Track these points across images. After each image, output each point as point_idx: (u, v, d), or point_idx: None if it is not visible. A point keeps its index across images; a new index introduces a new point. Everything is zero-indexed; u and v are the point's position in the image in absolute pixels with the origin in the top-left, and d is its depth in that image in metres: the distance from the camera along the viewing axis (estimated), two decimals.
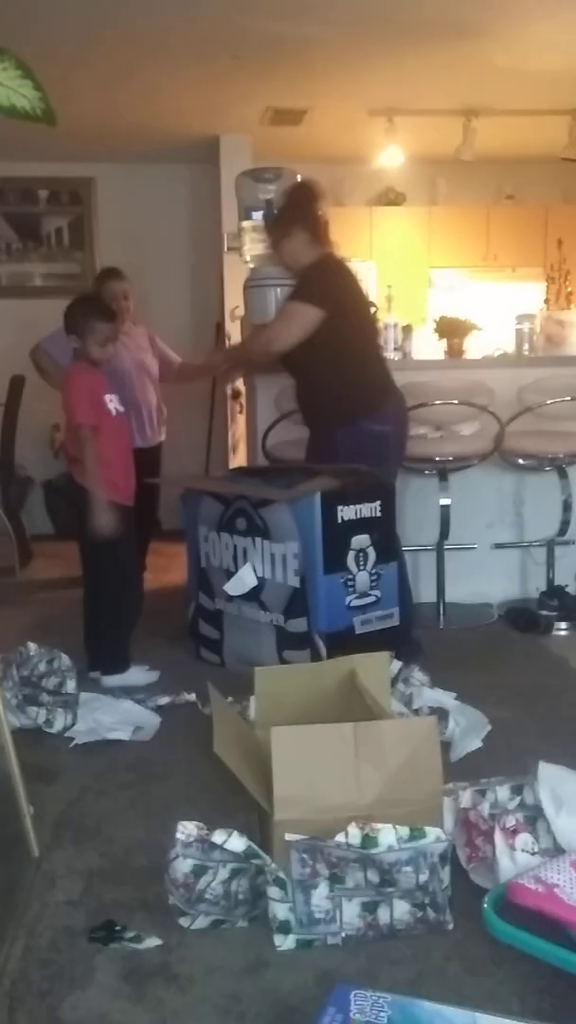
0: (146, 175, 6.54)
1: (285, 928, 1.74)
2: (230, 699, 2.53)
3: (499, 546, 4.23)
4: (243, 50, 4.60)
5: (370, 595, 3.16)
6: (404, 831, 1.70)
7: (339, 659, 2.34)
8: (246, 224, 4.16)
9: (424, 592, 4.03)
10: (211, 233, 6.31)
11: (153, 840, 2.09)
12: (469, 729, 2.69)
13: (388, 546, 3.21)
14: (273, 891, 1.73)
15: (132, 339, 4.41)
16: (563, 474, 4.00)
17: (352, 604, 3.12)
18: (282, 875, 1.72)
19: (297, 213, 3.44)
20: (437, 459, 3.85)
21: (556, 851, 1.85)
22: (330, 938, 1.75)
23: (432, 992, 1.57)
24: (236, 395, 5.54)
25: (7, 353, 5.35)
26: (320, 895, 1.73)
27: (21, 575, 5.21)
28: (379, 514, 3.19)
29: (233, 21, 4.23)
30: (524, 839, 1.86)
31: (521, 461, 3.99)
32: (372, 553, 3.16)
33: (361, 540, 3.13)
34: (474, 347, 4.53)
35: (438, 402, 3.75)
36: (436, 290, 6.57)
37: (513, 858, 1.84)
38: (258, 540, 3.23)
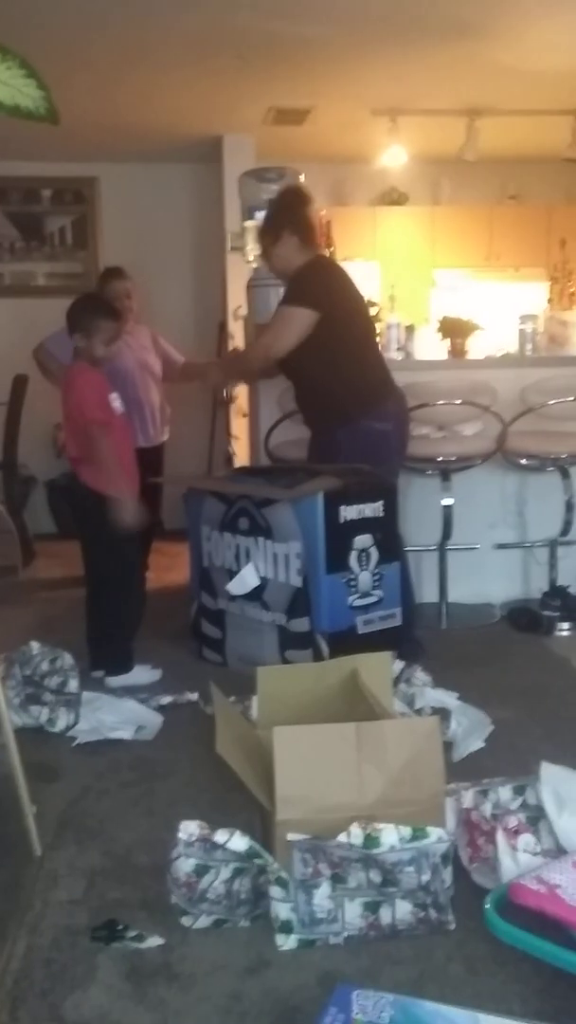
0: (149, 175, 6.54)
1: (287, 928, 1.74)
2: (232, 699, 2.53)
3: (501, 546, 4.23)
4: (246, 50, 4.60)
5: (372, 595, 3.16)
6: (406, 831, 1.70)
7: (341, 659, 2.34)
8: (249, 224, 4.16)
9: (426, 592, 4.02)
10: (214, 233, 6.31)
11: (155, 839, 2.09)
12: (471, 729, 2.69)
13: (390, 546, 3.21)
14: (275, 891, 1.73)
15: (135, 339, 4.42)
16: (566, 474, 4.00)
17: (354, 604, 3.12)
18: (284, 875, 1.72)
19: (286, 217, 3.43)
20: (440, 459, 3.85)
21: (558, 851, 1.85)
22: (332, 938, 1.75)
23: (434, 992, 1.57)
24: (230, 400, 5.47)
25: (10, 352, 5.35)
26: (322, 895, 1.73)
27: (24, 574, 5.22)
28: (381, 514, 3.19)
29: (236, 21, 4.23)
30: (526, 839, 1.86)
31: (524, 461, 3.99)
32: (374, 553, 3.16)
33: (363, 540, 3.13)
34: (477, 347, 4.52)
35: (441, 402, 3.75)
36: (439, 290, 6.58)
37: (515, 858, 1.83)
38: (260, 540, 3.23)
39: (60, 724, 2.80)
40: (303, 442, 3.65)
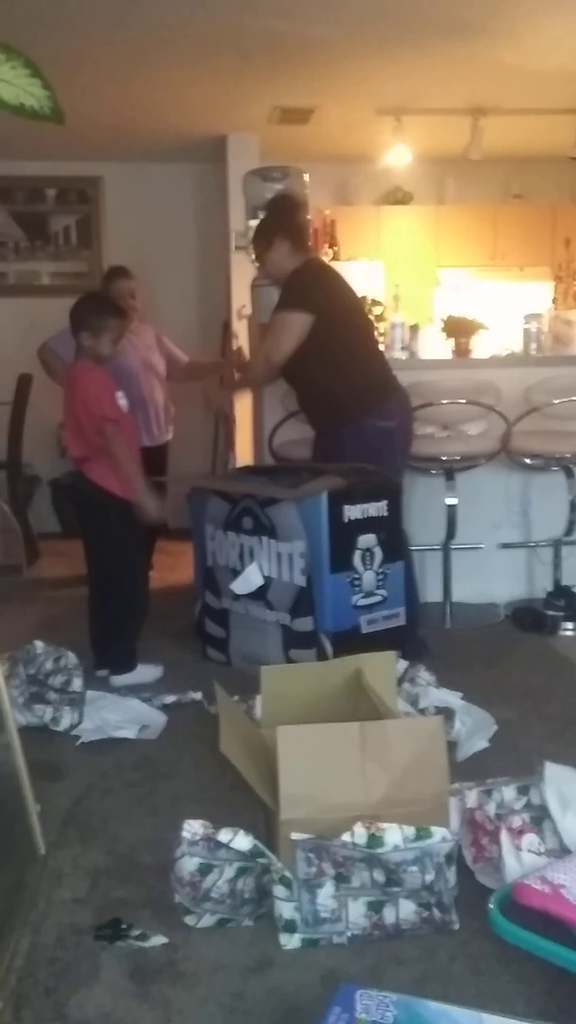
0: (154, 174, 6.54)
1: (291, 927, 1.74)
2: (236, 698, 2.53)
3: (505, 546, 4.22)
4: (251, 49, 4.60)
5: (376, 594, 3.16)
6: (410, 831, 1.70)
7: (345, 658, 2.34)
8: (253, 223, 4.16)
9: (430, 592, 4.02)
10: (218, 232, 6.31)
11: (159, 838, 2.09)
12: (475, 729, 2.68)
13: (394, 545, 3.21)
14: (279, 890, 1.73)
15: (139, 338, 4.42)
16: (570, 474, 3.99)
17: (358, 603, 3.12)
18: (288, 874, 1.72)
19: (278, 223, 3.48)
20: (444, 458, 3.84)
21: (562, 851, 1.85)
22: (336, 937, 1.75)
23: (437, 992, 1.57)
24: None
25: (14, 352, 5.36)
26: (326, 894, 1.73)
27: (28, 573, 5.23)
28: (385, 513, 3.19)
29: (241, 20, 4.23)
30: (530, 839, 1.86)
31: (528, 461, 3.98)
32: (378, 552, 3.15)
33: (367, 539, 3.13)
34: (481, 346, 4.52)
35: (445, 401, 3.74)
36: (443, 289, 6.57)
37: (519, 858, 1.83)
38: (264, 539, 3.23)
39: (64, 723, 2.80)
40: (306, 441, 3.65)
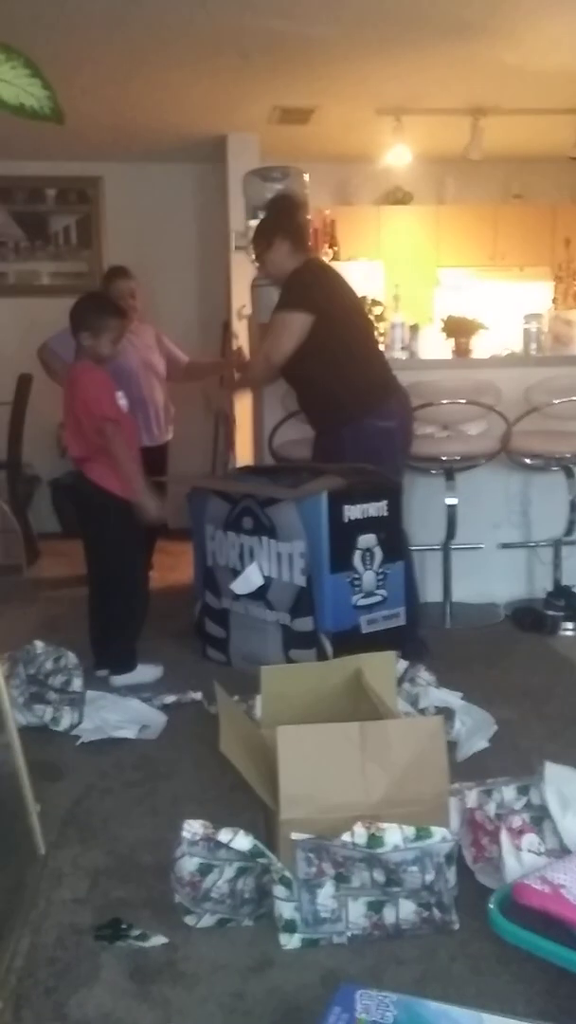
0: (154, 174, 6.54)
1: (291, 927, 1.74)
2: (236, 698, 2.53)
3: (505, 546, 4.22)
4: (251, 49, 4.60)
5: (376, 594, 3.16)
6: (410, 831, 1.70)
7: (345, 658, 2.34)
8: (253, 223, 4.16)
9: (430, 592, 4.03)
10: (218, 232, 6.31)
11: (159, 838, 2.09)
12: (475, 729, 2.68)
13: (394, 545, 3.21)
14: (279, 890, 1.73)
15: (139, 338, 4.42)
16: (570, 474, 3.99)
17: (358, 603, 3.12)
18: (288, 874, 1.72)
19: (278, 223, 3.48)
20: (444, 458, 3.84)
21: (562, 851, 1.85)
22: (336, 937, 1.75)
23: (437, 992, 1.57)
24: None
25: (14, 352, 5.36)
26: (326, 894, 1.73)
27: (28, 573, 5.23)
28: (385, 513, 3.19)
29: (241, 20, 4.23)
30: (530, 839, 1.86)
31: (528, 461, 3.98)
32: (378, 552, 3.15)
33: (367, 539, 3.13)
34: (481, 346, 4.52)
35: (445, 401, 3.74)
36: (443, 289, 6.57)
37: (519, 858, 1.83)
38: (264, 539, 3.23)
39: (64, 723, 2.80)
40: (306, 441, 3.65)
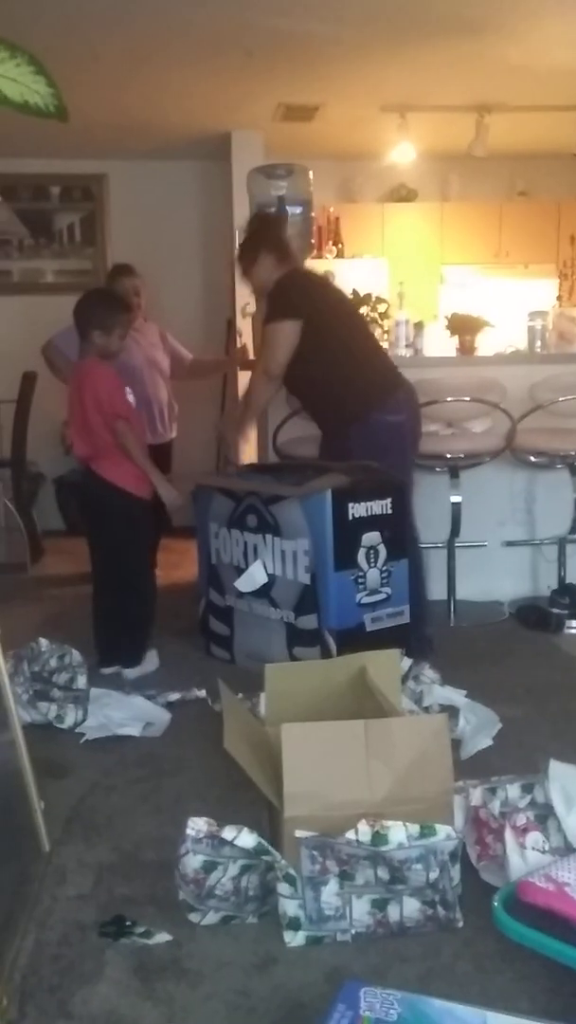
0: (158, 171, 6.54)
1: (295, 925, 1.74)
2: (240, 696, 2.53)
3: (510, 544, 4.22)
4: (255, 46, 4.59)
5: (380, 592, 3.15)
6: (414, 828, 1.70)
7: (349, 656, 2.34)
8: None
9: (435, 589, 4.00)
10: (223, 229, 6.30)
11: (163, 835, 2.10)
12: (479, 727, 2.68)
13: (399, 543, 3.21)
14: (283, 887, 1.73)
15: (143, 335, 4.42)
16: (574, 471, 3.99)
17: (362, 601, 3.12)
18: (292, 872, 1.72)
19: (261, 237, 3.53)
20: (448, 456, 3.84)
21: (567, 849, 1.85)
22: (340, 935, 1.75)
23: (442, 990, 1.57)
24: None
25: (19, 349, 5.35)
26: (330, 892, 1.73)
27: (32, 571, 5.23)
28: (390, 511, 3.18)
29: (245, 18, 4.23)
30: (534, 837, 1.86)
31: (532, 458, 3.98)
32: (383, 550, 3.15)
33: (372, 537, 3.13)
34: (486, 344, 4.52)
35: (450, 399, 3.74)
36: (448, 287, 6.56)
37: (523, 856, 1.83)
38: (269, 537, 3.23)
39: (68, 720, 2.80)
40: (311, 439, 3.65)
